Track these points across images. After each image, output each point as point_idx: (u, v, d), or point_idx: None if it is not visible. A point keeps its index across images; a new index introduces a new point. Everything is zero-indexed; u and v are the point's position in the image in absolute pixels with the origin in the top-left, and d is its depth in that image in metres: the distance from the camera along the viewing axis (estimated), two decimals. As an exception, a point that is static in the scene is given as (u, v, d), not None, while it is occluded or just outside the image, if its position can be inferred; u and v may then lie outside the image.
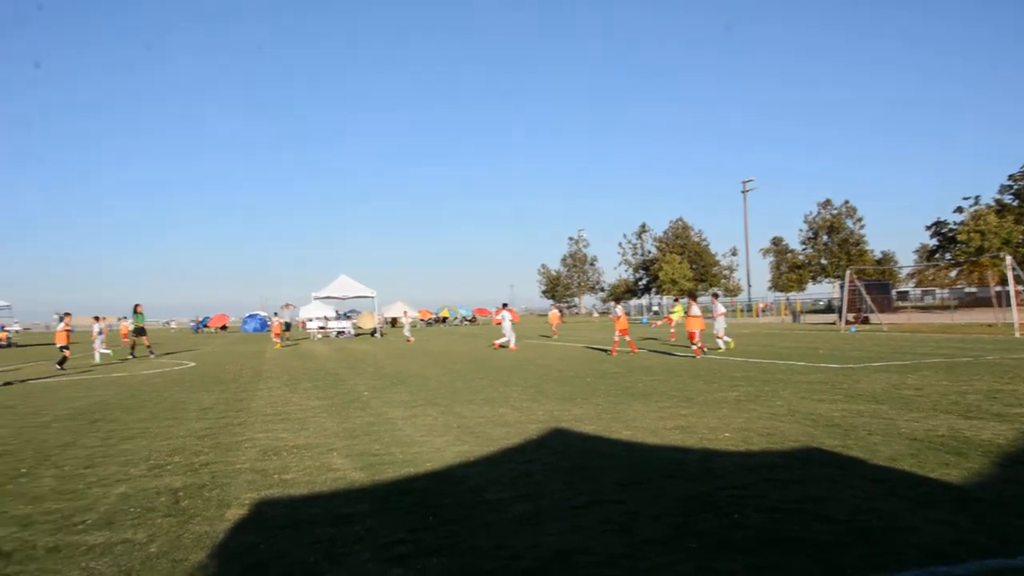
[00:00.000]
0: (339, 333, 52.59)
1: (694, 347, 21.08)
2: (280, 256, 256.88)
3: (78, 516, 5.97)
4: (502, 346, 29.19)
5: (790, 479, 6.54)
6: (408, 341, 35.81)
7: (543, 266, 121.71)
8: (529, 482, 6.69)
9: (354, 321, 57.77)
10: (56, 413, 12.46)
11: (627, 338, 25.08)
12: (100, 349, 29.67)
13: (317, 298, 53.10)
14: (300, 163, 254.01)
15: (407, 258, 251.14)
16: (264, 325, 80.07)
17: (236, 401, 13.64)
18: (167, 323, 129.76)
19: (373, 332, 52.05)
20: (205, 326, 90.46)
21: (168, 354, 33.43)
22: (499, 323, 30.51)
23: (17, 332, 55.27)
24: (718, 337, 24.31)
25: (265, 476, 7.23)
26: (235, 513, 5.91)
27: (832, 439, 8.24)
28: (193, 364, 25.41)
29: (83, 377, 20.71)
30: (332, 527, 5.44)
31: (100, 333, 30.31)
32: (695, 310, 22.18)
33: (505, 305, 31.90)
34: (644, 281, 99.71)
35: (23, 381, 19.90)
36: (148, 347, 31.95)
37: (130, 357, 30.73)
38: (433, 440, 8.96)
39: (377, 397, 13.62)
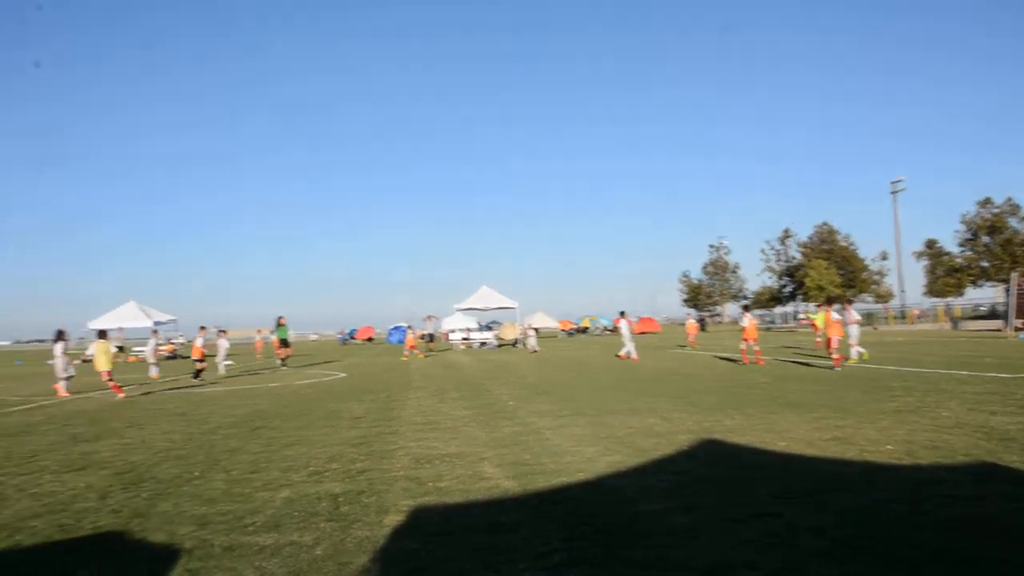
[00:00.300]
0: (481, 344, 53.36)
1: (834, 356, 20.30)
2: (424, 268, 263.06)
3: (248, 518, 6.26)
4: (627, 355, 28.99)
5: (962, 495, 6.19)
6: (534, 352, 35.34)
7: (684, 274, 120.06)
8: (684, 493, 6.59)
9: (496, 332, 58.47)
10: (221, 421, 13.12)
11: (755, 347, 24.51)
12: (223, 362, 31.07)
13: (459, 310, 54.09)
14: (440, 179, 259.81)
15: (548, 269, 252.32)
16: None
17: (387, 410, 14.02)
18: (313, 335, 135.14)
19: (515, 343, 52.53)
20: (352, 338, 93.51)
21: (315, 364, 34.71)
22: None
23: (182, 344, 58.52)
24: (852, 346, 23.29)
25: (420, 484, 7.39)
26: (393, 519, 6.06)
27: (1009, 454, 7.75)
28: (343, 375, 26.26)
29: (241, 387, 21.73)
30: (488, 535, 5.51)
31: (225, 347, 31.68)
32: (835, 316, 21.43)
33: (623, 314, 31.60)
34: (789, 288, 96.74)
35: (179, 389, 21.10)
36: (283, 359, 33.26)
37: (282, 367, 32.04)
38: (583, 450, 8.95)
39: (523, 407, 13.72)
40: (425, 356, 39.65)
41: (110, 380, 19.77)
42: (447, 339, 67.76)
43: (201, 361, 26.28)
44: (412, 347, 40.90)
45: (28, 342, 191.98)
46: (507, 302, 52.43)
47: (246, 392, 19.54)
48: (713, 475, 7.31)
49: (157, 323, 53.26)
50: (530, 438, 10.05)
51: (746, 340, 24.45)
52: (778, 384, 16.13)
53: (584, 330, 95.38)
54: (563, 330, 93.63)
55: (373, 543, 5.41)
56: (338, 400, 16.42)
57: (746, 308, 26.14)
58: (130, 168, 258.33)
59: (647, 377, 19.92)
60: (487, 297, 52.06)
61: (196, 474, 8.27)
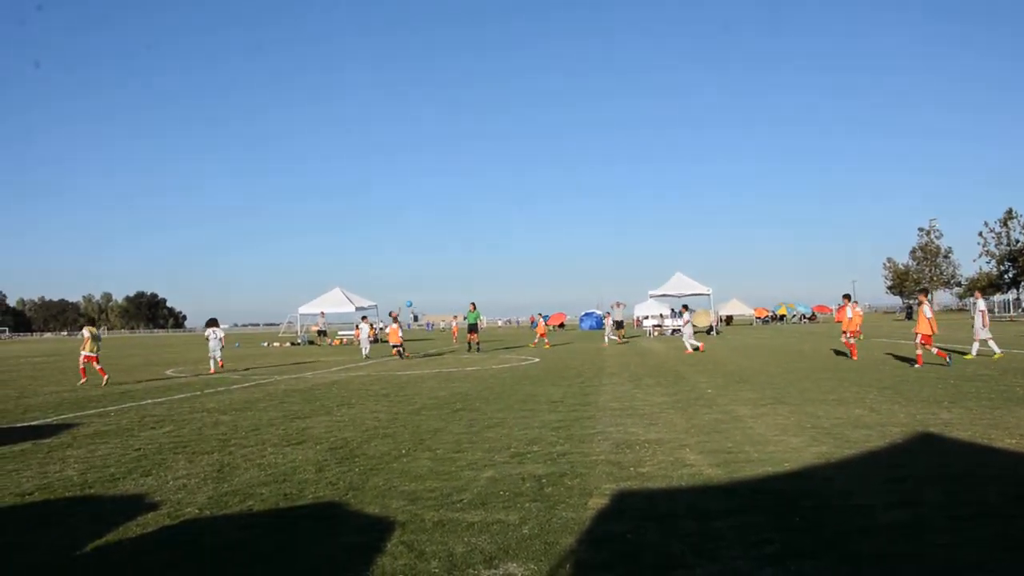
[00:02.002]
0: (674, 331, 52.66)
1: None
2: (617, 253, 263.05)
3: (455, 495, 6.43)
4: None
5: None
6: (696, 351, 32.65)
7: (889, 260, 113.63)
8: (902, 488, 6.21)
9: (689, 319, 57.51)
10: (424, 402, 13.60)
11: (851, 339, 22.50)
12: (366, 346, 32.31)
13: (653, 296, 53.59)
14: (641, 168, 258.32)
15: (743, 253, 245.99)
16: (600, 323, 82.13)
17: (583, 395, 14.08)
18: (507, 321, 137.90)
19: (709, 330, 51.50)
20: (545, 323, 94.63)
21: (509, 349, 35.37)
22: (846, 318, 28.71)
23: (382, 329, 61.16)
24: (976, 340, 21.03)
25: (621, 468, 7.36)
26: (597, 502, 6.06)
27: None
28: (537, 360, 26.62)
29: (443, 370, 22.45)
30: (694, 522, 5.40)
31: (367, 333, 32.80)
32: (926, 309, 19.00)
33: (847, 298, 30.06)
34: (1011, 274, 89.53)
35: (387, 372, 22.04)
36: (476, 343, 34.07)
37: (473, 352, 32.82)
38: (787, 440, 8.63)
39: (722, 395, 13.42)
40: (622, 342, 39.64)
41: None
42: (638, 325, 67.41)
43: (397, 345, 28.53)
44: (542, 334, 41.14)
45: (244, 326, 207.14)
46: (701, 288, 51.47)
47: (446, 375, 20.17)
48: (933, 471, 6.86)
49: (359, 308, 56.00)
50: (731, 426, 9.80)
51: (845, 332, 22.60)
52: (1002, 377, 14.96)
53: (781, 318, 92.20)
54: (758, 317, 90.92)
55: (579, 524, 5.42)
56: (534, 384, 16.65)
57: (847, 297, 23.99)
58: (343, 167, 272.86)
59: (852, 366, 19.01)
60: (681, 283, 51.31)
61: (403, 452, 8.60)
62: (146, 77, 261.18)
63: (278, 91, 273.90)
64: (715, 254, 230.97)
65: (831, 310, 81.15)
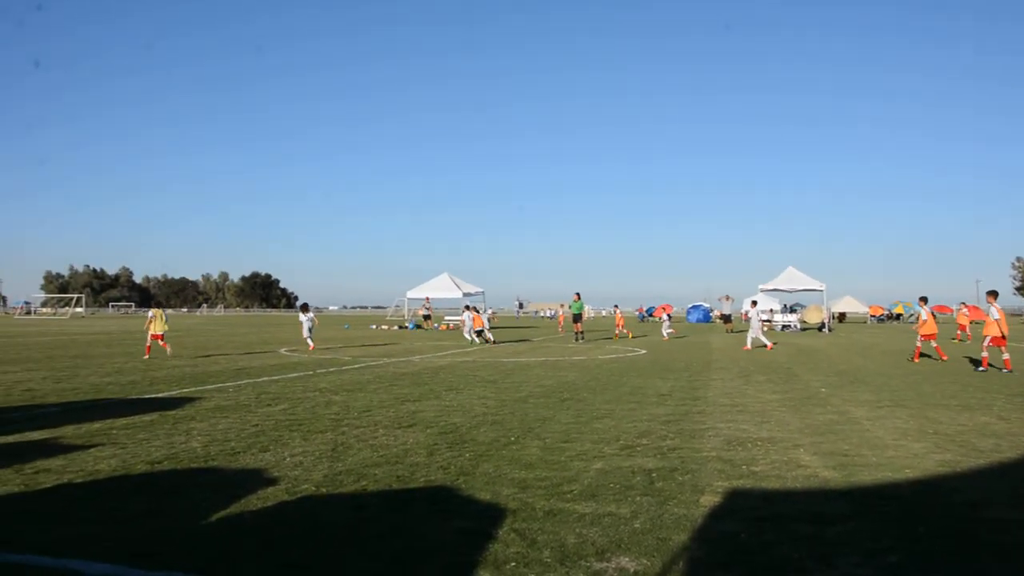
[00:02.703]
0: (784, 327, 51.44)
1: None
2: (727, 246, 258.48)
3: (565, 486, 6.43)
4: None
5: None
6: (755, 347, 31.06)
7: (1019, 259, 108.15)
8: (1038, 503, 5.91)
9: (800, 315, 56.06)
10: (531, 390, 13.65)
11: (932, 344, 21.86)
12: (469, 333, 32.94)
13: (763, 290, 52.44)
14: (756, 162, 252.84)
15: (857, 250, 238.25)
16: (707, 316, 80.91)
17: (691, 389, 13.89)
18: (612, 309, 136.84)
19: (821, 327, 50.06)
20: (650, 315, 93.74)
21: (607, 338, 35.15)
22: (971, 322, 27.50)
23: (491, 316, 61.63)
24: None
25: (733, 466, 7.22)
26: (709, 500, 5.96)
27: None
28: (643, 351, 26.39)
29: (549, 359, 22.49)
30: (811, 525, 5.25)
31: (470, 320, 33.16)
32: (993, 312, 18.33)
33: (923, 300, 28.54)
34: None
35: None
36: (581, 333, 33.89)
37: (578, 342, 32.72)
38: (908, 445, 8.32)
39: (836, 394, 13.03)
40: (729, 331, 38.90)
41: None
42: (746, 320, 66.11)
43: (480, 333, 31.04)
44: (620, 325, 40.85)
45: (352, 308, 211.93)
46: (813, 284, 50.06)
47: (552, 364, 20.20)
48: (1072, 485, 6.50)
49: (466, 294, 56.58)
50: (847, 428, 9.51)
51: (924, 338, 21.88)
52: None
53: (897, 316, 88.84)
54: (873, 316, 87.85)
55: (691, 522, 5.35)
56: (642, 376, 16.51)
57: (924, 300, 22.82)
58: (457, 151, 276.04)
59: (973, 370, 18.16)
60: (793, 278, 50.01)
61: (512, 439, 8.65)
62: (271, 66, 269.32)
63: (408, 75, 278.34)
64: (830, 249, 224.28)
65: (951, 310, 77.56)
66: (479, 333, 32.93)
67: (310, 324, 27.14)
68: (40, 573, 4.36)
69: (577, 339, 33.74)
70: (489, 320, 37.21)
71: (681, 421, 10.04)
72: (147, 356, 21.98)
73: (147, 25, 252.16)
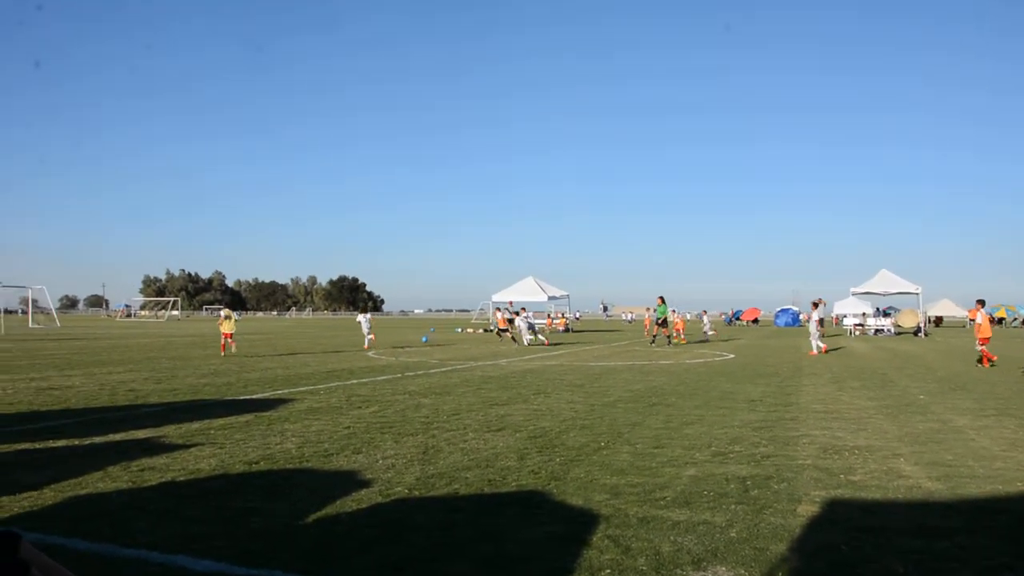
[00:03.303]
0: (877, 331, 50.03)
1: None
2: (818, 249, 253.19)
3: (657, 492, 6.36)
4: None
5: None
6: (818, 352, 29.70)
7: None
8: None
9: (894, 319, 54.39)
10: (620, 395, 13.56)
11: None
12: (526, 335, 33.54)
13: (855, 293, 51.11)
14: (847, 155, 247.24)
15: (953, 251, 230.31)
16: (796, 320, 79.21)
17: (783, 395, 13.61)
18: (698, 314, 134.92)
19: (916, 331, 48.53)
20: (738, 319, 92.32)
21: (702, 344, 34.68)
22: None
23: (576, 319, 61.54)
24: None
25: (830, 475, 7.04)
26: (807, 509, 5.82)
27: None
28: (731, 356, 25.98)
29: (636, 363, 22.32)
30: (916, 538, 5.08)
31: (526, 321, 34.18)
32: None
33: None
34: None
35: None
36: (668, 336, 33.45)
37: (653, 346, 32.33)
38: (1018, 456, 7.97)
39: (936, 402, 12.60)
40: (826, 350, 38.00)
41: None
42: (838, 323, 64.44)
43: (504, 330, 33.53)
44: (679, 328, 39.65)
45: (437, 311, 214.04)
46: (909, 287, 48.55)
47: (639, 368, 20.04)
48: None
49: (551, 298, 56.63)
50: (950, 437, 9.18)
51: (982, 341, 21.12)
52: None
53: (999, 320, 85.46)
54: (972, 319, 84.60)
55: (789, 531, 5.22)
56: (731, 381, 16.26)
57: (981, 303, 21.80)
58: (545, 158, 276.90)
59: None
60: (886, 281, 48.58)
61: (602, 444, 8.60)
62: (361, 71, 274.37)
63: (501, 79, 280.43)
64: (926, 251, 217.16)
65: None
66: (502, 332, 34.93)
67: (368, 325, 30.20)
68: (150, 568, 4.51)
69: (654, 341, 33.30)
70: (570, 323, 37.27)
71: (773, 427, 9.84)
72: (223, 353, 24.70)
73: (258, 29, 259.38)
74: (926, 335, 47.26)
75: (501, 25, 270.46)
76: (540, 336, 33.64)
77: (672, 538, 5.09)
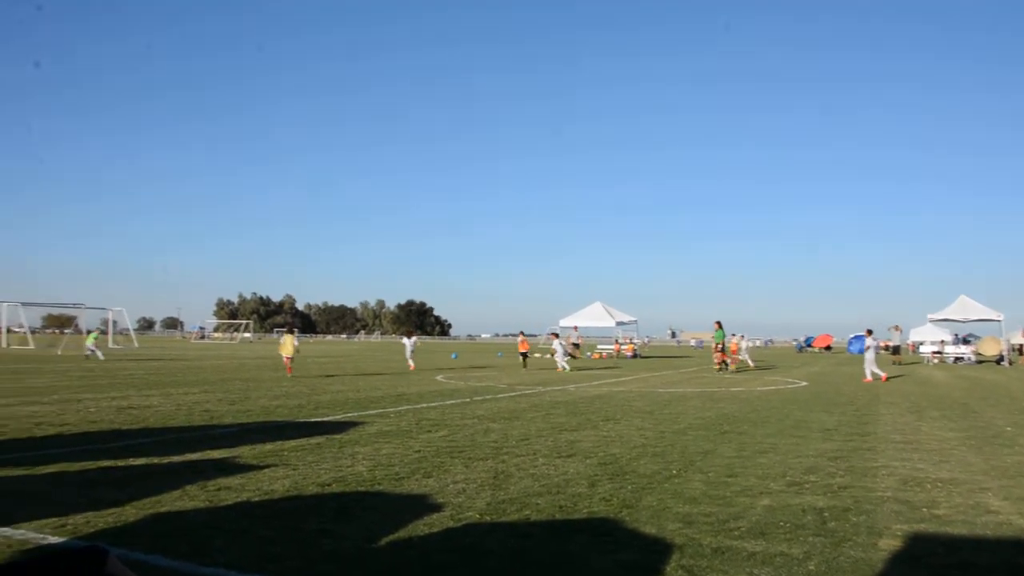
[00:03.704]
0: (957, 359, 48.55)
1: None
2: (894, 275, 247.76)
3: (731, 522, 6.23)
4: None
5: None
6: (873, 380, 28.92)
7: None
8: None
9: (975, 347, 52.73)
10: (690, 422, 13.37)
11: None
12: (561, 360, 33.60)
13: (932, 320, 49.76)
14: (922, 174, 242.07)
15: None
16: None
17: (859, 424, 13.26)
18: (767, 341, 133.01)
19: (999, 359, 46.93)
20: (809, 345, 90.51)
21: (771, 371, 34.06)
22: None
23: (644, 344, 61.10)
24: None
25: (912, 508, 6.82)
26: (888, 543, 5.64)
27: None
28: (804, 383, 25.46)
29: (705, 390, 22.02)
30: (1008, 577, 4.88)
31: (560, 346, 34.64)
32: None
33: None
34: None
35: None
36: (724, 362, 33.03)
37: (720, 372, 31.84)
38: (1118, 493, 7.63)
39: (1024, 434, 12.15)
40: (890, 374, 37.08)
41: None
42: (914, 351, 62.78)
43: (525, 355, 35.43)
44: (735, 351, 39.00)
45: (504, 335, 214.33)
46: (990, 313, 47.06)
47: (709, 395, 19.74)
48: None
49: (619, 323, 56.32)
50: (1041, 471, 8.83)
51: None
52: None
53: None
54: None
55: (870, 567, 5.06)
56: (804, 409, 15.91)
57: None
58: (606, 184, 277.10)
59: None
60: (966, 307, 47.18)
61: (674, 472, 8.47)
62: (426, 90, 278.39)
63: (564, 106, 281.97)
64: (1008, 277, 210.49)
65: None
66: (524, 356, 36.17)
67: (412, 347, 32.83)
68: (228, 588, 4.58)
69: (722, 368, 32.77)
70: (564, 345, 36.91)
71: (850, 458, 9.59)
72: (289, 374, 25.66)
73: (343, 45, 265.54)
74: (1010, 363, 45.59)
75: (578, 57, 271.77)
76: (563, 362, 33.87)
77: (748, 570, 4.97)
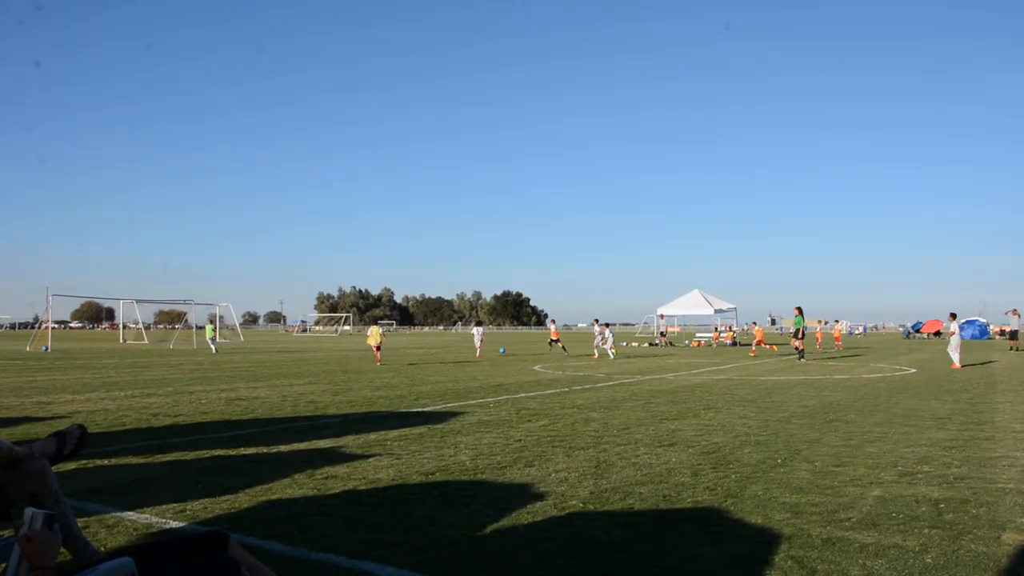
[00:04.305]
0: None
1: None
2: (1010, 256, 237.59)
3: (841, 512, 6.06)
4: None
5: None
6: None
7: None
8: None
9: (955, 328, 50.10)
10: (794, 410, 13.08)
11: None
12: (605, 347, 35.22)
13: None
14: None
15: None
16: (984, 332, 74.28)
17: (974, 412, 12.75)
18: (869, 327, 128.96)
19: None
20: (917, 331, 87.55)
21: (875, 358, 33.01)
22: None
23: (742, 332, 60.04)
24: None
25: (1037, 500, 6.53)
26: (1013, 538, 5.38)
27: None
28: (913, 370, 24.62)
29: (809, 377, 21.51)
30: None
31: (600, 334, 35.83)
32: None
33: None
34: None
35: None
36: (800, 351, 31.86)
37: (801, 360, 30.88)
38: None
39: None
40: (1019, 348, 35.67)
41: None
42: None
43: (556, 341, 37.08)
44: (760, 341, 39.97)
45: (602, 326, 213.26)
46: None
47: (813, 383, 19.29)
48: None
49: (718, 311, 55.51)
50: None
51: None
52: None
53: None
54: None
55: (994, 562, 4.84)
56: (914, 397, 15.39)
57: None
58: (697, 175, 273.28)
59: None
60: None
61: (779, 461, 8.30)
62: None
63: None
64: None
65: None
66: (553, 343, 39.25)
67: (480, 336, 37.78)
68: (339, 572, 4.68)
69: (800, 357, 31.68)
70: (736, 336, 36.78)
71: (966, 447, 9.22)
72: (379, 363, 28.11)
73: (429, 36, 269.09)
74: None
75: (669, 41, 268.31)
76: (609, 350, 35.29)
77: (861, 561, 4.83)
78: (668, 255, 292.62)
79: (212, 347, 41.22)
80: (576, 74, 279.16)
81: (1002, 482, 7.23)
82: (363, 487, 7.11)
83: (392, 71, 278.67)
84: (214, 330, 43.32)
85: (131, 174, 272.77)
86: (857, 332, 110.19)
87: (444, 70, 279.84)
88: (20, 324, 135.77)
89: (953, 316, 28.08)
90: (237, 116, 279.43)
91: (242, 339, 70.74)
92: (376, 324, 31.46)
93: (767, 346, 40.17)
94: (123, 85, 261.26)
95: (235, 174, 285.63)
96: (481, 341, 37.38)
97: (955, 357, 26.03)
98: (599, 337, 35.68)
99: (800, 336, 32.18)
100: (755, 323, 45.71)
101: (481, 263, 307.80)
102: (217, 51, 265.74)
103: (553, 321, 42.05)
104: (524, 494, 6.77)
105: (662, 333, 57.59)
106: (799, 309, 32.59)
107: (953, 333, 26.87)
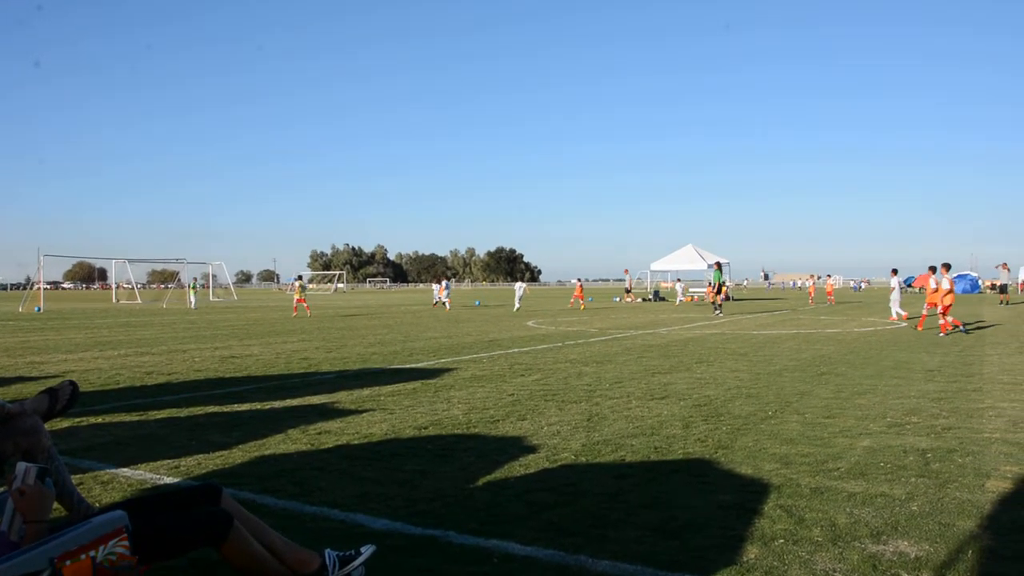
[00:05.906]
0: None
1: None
2: (995, 209, 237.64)
3: (830, 463, 6.14)
4: None
5: None
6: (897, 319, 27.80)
7: None
8: None
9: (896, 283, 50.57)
10: (785, 363, 13.17)
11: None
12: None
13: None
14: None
15: None
16: (976, 286, 74.48)
17: (963, 365, 12.86)
18: (859, 283, 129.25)
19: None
20: (909, 286, 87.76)
21: (867, 311, 33.18)
22: None
23: (740, 287, 60.15)
24: None
25: (1022, 448, 6.61)
26: (996, 485, 5.47)
27: None
28: (904, 324, 24.76)
29: (800, 331, 21.62)
30: (1124, 518, 4.70)
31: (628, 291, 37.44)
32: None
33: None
34: None
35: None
36: (716, 303, 32.10)
37: (715, 312, 31.07)
38: None
39: None
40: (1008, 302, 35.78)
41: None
42: (1023, 290, 60.39)
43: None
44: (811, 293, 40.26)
45: (595, 281, 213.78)
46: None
47: (804, 336, 19.41)
48: None
49: (710, 266, 55.56)
50: None
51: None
52: None
53: None
54: None
55: (977, 508, 4.93)
56: (905, 350, 15.50)
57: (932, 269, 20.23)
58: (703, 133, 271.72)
59: None
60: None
61: (770, 413, 8.38)
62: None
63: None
64: None
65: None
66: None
67: (522, 292, 40.14)
68: (332, 524, 4.74)
69: (716, 310, 32.01)
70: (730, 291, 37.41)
71: (954, 399, 9.32)
72: (295, 314, 33.16)
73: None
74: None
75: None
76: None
77: (848, 510, 4.90)
78: (661, 210, 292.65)
79: (191, 303, 44.15)
80: (557, 36, 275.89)
81: (988, 432, 7.32)
82: (356, 442, 7.17)
83: (383, 29, 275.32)
84: (195, 289, 46.98)
85: (126, 140, 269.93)
86: (863, 285, 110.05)
87: (432, 31, 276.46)
88: (12, 285, 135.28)
89: (895, 272, 28.37)
90: (227, 65, 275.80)
91: (235, 298, 70.74)
92: (299, 280, 36.74)
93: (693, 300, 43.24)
94: (116, 48, 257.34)
95: (229, 139, 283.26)
96: (449, 296, 41.94)
97: (893, 311, 26.71)
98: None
99: (718, 291, 32.58)
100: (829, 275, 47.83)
101: (475, 220, 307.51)
102: (204, 12, 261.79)
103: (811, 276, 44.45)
104: (516, 447, 6.84)
105: (627, 290, 57.26)
106: (718, 264, 34.58)
107: (893, 288, 27.28)
